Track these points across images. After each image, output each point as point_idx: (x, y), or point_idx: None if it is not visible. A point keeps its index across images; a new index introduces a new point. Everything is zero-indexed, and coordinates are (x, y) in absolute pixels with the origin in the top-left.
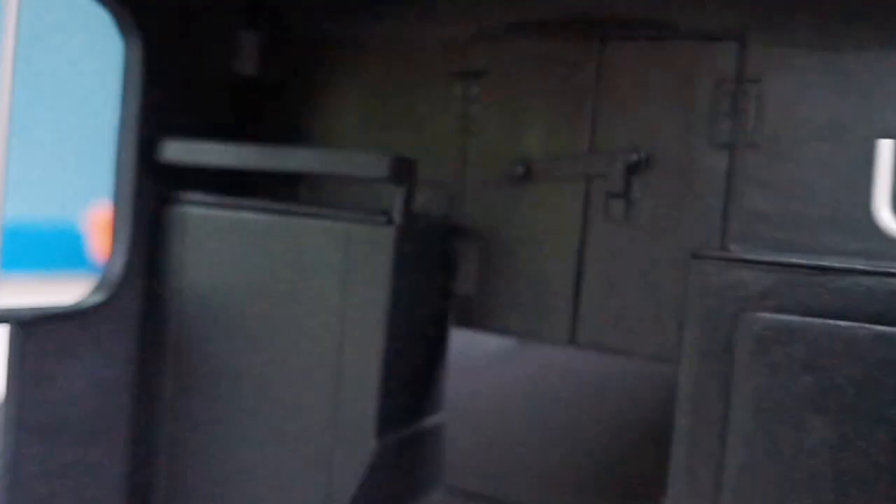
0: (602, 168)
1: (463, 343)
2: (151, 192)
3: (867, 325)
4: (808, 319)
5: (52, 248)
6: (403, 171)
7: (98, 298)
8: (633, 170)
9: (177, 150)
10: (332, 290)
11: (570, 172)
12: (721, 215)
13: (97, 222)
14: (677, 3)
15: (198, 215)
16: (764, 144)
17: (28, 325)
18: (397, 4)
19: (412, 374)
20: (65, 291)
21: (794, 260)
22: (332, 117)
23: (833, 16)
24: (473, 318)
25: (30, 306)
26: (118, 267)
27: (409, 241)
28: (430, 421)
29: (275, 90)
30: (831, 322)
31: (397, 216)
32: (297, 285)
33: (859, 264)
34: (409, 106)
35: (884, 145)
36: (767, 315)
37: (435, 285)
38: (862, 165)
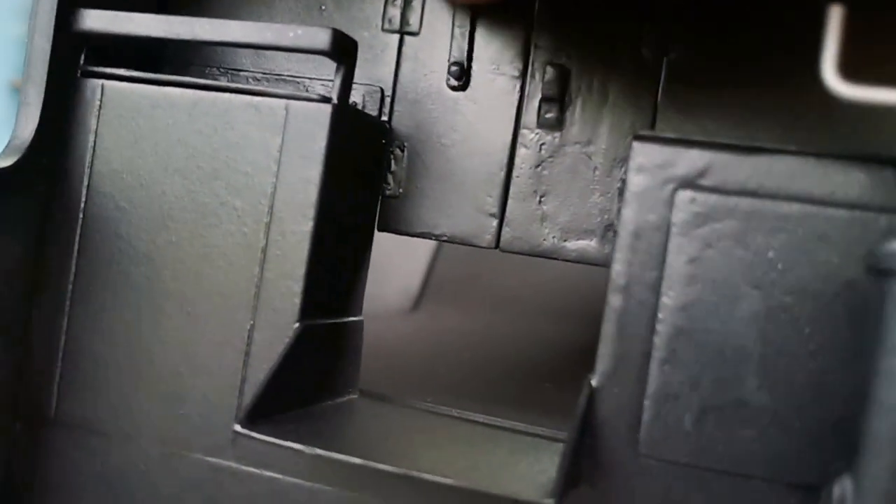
0: (538, 72)
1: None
2: (66, 63)
3: (798, 203)
4: (742, 197)
5: None
6: (344, 49)
7: (4, 163)
8: (568, 76)
9: (97, 20)
10: (263, 169)
11: (505, 76)
12: (650, 121)
13: None
14: None
15: (117, 89)
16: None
17: None
18: None
19: (337, 268)
20: None
21: (727, 141)
22: (264, 12)
23: None
24: (399, 221)
25: None
26: (26, 134)
27: (345, 123)
28: (352, 319)
29: None
30: (763, 200)
31: (335, 96)
32: (225, 164)
33: (790, 146)
34: (347, 5)
35: (833, 9)
36: (702, 192)
37: (364, 183)
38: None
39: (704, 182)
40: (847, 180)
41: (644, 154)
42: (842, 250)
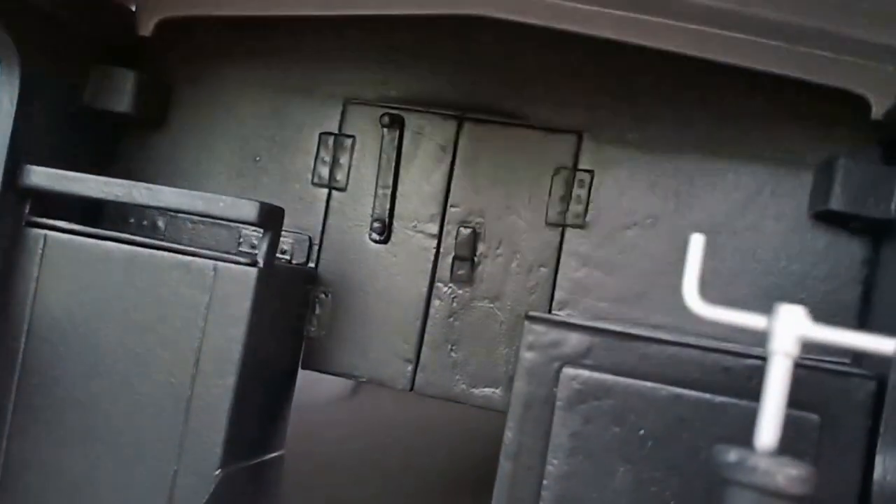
0: (452, 232)
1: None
2: (12, 214)
3: (667, 387)
4: (618, 378)
5: None
6: (271, 218)
7: None
8: (478, 237)
9: (42, 177)
10: (191, 324)
11: (422, 234)
12: (550, 284)
13: None
14: (526, 97)
15: (59, 240)
16: (590, 226)
17: None
18: (279, 62)
19: (260, 410)
20: None
21: (609, 326)
22: (203, 161)
23: (656, 122)
24: (322, 361)
25: None
26: None
27: (270, 283)
28: (272, 455)
29: (149, 129)
30: (637, 381)
31: (261, 259)
32: (156, 317)
33: (663, 335)
34: (280, 159)
35: (694, 238)
36: (584, 371)
37: (290, 327)
38: (671, 253)
39: (587, 362)
40: (708, 369)
41: (534, 333)
42: (701, 432)
